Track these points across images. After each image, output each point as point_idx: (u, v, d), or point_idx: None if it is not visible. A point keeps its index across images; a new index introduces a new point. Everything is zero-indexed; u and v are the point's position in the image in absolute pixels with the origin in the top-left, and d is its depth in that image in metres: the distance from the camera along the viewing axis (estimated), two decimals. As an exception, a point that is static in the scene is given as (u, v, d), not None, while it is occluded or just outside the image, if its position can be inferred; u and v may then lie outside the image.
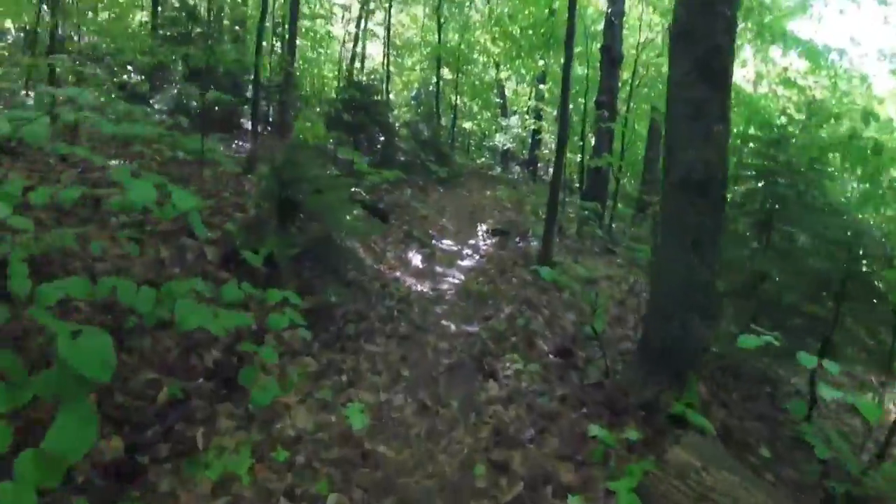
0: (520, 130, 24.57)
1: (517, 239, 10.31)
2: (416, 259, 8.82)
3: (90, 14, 15.36)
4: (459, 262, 9.12)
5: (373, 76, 16.15)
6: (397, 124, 20.26)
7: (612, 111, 14.43)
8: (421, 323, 5.82)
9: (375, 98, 13.94)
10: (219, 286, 4.78)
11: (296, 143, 5.40)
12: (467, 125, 25.90)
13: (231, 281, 4.02)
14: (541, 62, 16.58)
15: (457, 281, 8.04)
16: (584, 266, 9.50)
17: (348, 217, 6.37)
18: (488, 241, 10.19)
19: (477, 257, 9.39)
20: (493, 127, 26.01)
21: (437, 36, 18.84)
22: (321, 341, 5.00)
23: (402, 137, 16.61)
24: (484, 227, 11.02)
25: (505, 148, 25.52)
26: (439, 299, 6.89)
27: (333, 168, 11.11)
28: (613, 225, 14.73)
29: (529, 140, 23.52)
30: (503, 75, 24.27)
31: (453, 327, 5.83)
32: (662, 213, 4.62)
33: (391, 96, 26.50)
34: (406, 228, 10.05)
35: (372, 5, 20.95)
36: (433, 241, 9.92)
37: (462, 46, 19.12)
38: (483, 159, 27.66)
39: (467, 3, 19.52)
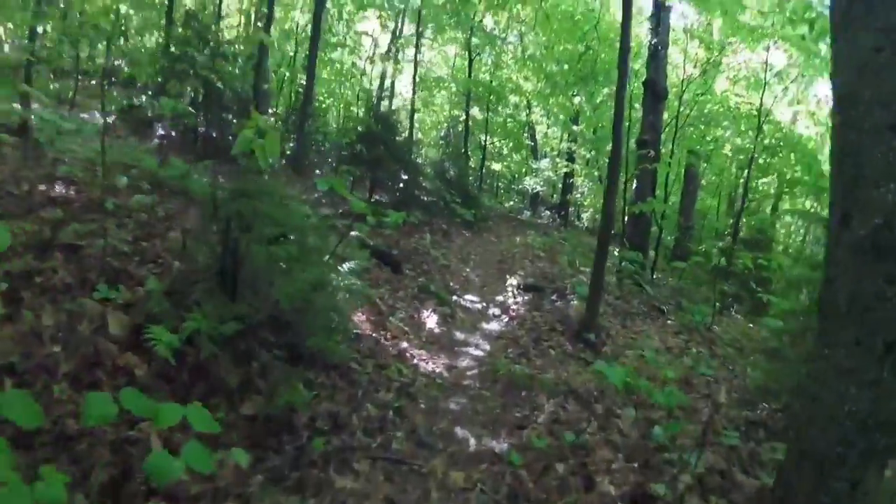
0: (551, 173, 22.91)
1: (553, 296, 8.43)
2: (430, 321, 6.99)
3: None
4: (484, 326, 7.27)
5: (396, 111, 14.58)
6: (422, 162, 18.80)
7: (655, 151, 12.66)
8: (426, 433, 3.95)
9: (398, 133, 12.34)
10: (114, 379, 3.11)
11: (250, 168, 3.61)
12: (497, 167, 24.26)
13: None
14: (576, 99, 14.90)
15: (481, 353, 6.19)
16: (632, 332, 7.59)
17: (334, 275, 4.57)
18: (519, 299, 8.32)
19: (506, 319, 7.53)
20: (524, 169, 24.36)
21: (467, 72, 17.30)
22: (267, 470, 3.17)
23: (427, 177, 14.98)
24: (514, 281, 9.16)
25: (535, 191, 23.79)
26: (456, 387, 5.02)
27: (330, 207, 9.45)
28: (655, 276, 12.79)
29: (560, 184, 21.79)
30: (535, 116, 22.71)
31: (472, 441, 3.93)
32: (826, 292, 2.72)
33: (419, 135, 25.11)
34: (422, 281, 8.26)
35: (401, 40, 19.67)
36: (454, 297, 8.09)
37: (493, 83, 17.54)
38: (512, 202, 25.96)
39: (499, 40, 18.03)
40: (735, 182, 17.65)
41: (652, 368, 6.20)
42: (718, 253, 13.13)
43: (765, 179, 17.57)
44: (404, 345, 5.82)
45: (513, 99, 20.71)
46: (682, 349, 7.17)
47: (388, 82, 24.71)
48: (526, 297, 8.28)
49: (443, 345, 6.31)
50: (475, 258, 10.96)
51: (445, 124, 25.25)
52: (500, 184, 26.81)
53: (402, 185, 11.95)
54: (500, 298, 8.42)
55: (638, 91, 13.43)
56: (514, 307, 7.94)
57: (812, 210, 15.83)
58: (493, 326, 7.23)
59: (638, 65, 14.10)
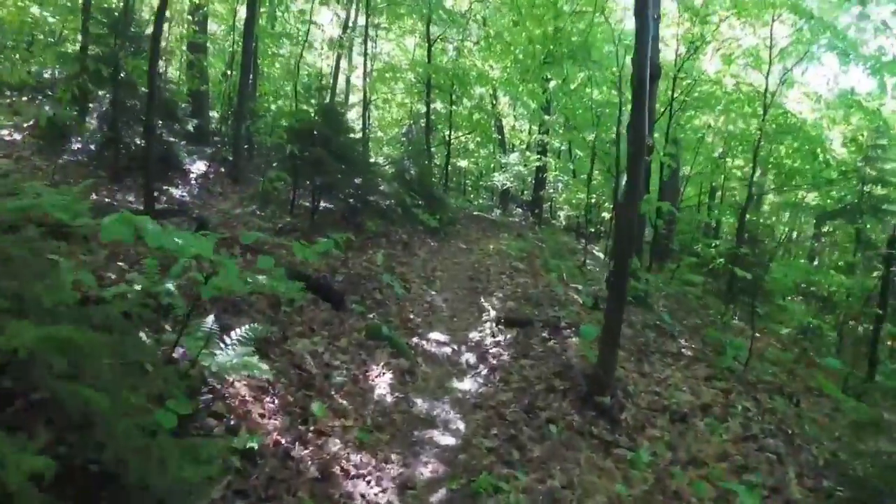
0: (521, 168, 20.89)
1: (544, 332, 6.35)
2: (381, 384, 4.87)
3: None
4: (456, 384, 5.17)
5: (343, 103, 12.27)
6: (379, 161, 16.59)
7: (647, 140, 10.73)
8: None
9: (346, 129, 10.13)
10: None
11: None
12: (463, 163, 22.14)
13: None
14: (551, 84, 12.80)
15: (451, 441, 4.10)
16: (654, 380, 5.59)
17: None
18: (500, 338, 6.23)
19: (485, 371, 5.44)
20: (492, 165, 22.30)
21: (427, 59, 15.11)
22: None
23: (385, 178, 12.81)
24: (492, 311, 7.07)
25: (504, 188, 21.75)
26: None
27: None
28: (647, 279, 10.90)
29: (532, 179, 19.78)
30: (501, 107, 20.64)
31: None
32: None
33: (378, 133, 22.83)
34: (372, 318, 6.14)
35: (354, 32, 17.38)
36: (414, 339, 5.98)
37: (456, 71, 15.37)
38: (480, 201, 23.89)
39: (462, 21, 15.85)
40: (719, 172, 15.83)
41: (692, 446, 4.22)
42: (718, 254, 11.34)
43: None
44: (335, 446, 3.67)
45: (478, 90, 18.56)
46: (723, 406, 5.16)
47: (343, 78, 22.41)
48: (509, 336, 6.19)
49: (397, 429, 4.19)
50: (442, 275, 8.84)
51: (408, 121, 23.05)
52: (467, 181, 24.69)
53: (352, 190, 9.76)
54: (474, 336, 6.32)
55: (626, 71, 11.47)
56: (493, 351, 5.84)
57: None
58: (468, 386, 5.14)
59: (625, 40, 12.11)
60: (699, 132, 14.02)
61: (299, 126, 9.17)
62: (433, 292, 7.90)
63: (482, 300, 7.66)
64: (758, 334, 10.45)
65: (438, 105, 18.78)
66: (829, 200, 14.10)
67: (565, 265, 11.18)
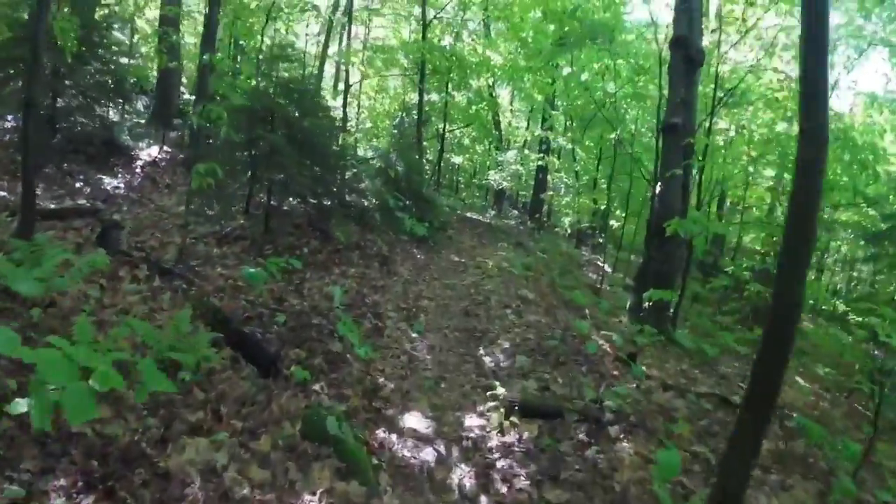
0: (519, 167, 18.59)
1: (581, 432, 4.01)
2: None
3: None
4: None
5: (311, 76, 9.77)
6: (364, 153, 14.16)
7: (689, 140, 8.54)
8: None
9: (318, 112, 7.73)
10: None
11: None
12: (457, 160, 19.78)
13: None
14: (565, 70, 10.47)
15: None
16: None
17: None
18: (513, 440, 3.88)
19: (490, 508, 3.15)
20: (487, 162, 19.99)
21: (421, 36, 12.70)
22: None
23: (366, 174, 10.47)
24: (500, 389, 4.63)
25: (499, 187, 19.45)
26: None
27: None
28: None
29: (533, 179, 17.50)
30: (501, 99, 18.29)
31: None
32: None
33: (367, 123, 20.41)
34: (319, 394, 3.85)
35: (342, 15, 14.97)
36: (379, 434, 3.68)
37: (455, 51, 12.96)
38: (475, 199, 21.57)
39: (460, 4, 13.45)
40: (742, 179, 13.58)
41: None
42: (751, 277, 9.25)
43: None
44: None
45: (476, 83, 16.17)
46: None
47: (338, 68, 20.02)
48: (526, 435, 3.84)
49: None
50: (428, 305, 6.54)
51: (401, 112, 20.64)
52: (460, 179, 22.34)
53: (321, 188, 7.40)
54: (472, 425, 4.00)
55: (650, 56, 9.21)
56: (502, 465, 3.52)
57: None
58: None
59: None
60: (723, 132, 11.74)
61: (256, 105, 6.78)
62: (415, 335, 5.59)
63: (481, 352, 5.36)
64: (799, 379, 8.28)
65: (434, 97, 16.45)
66: (870, 218, 11.88)
67: (581, 290, 8.93)
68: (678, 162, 8.55)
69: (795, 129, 10.14)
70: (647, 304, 7.70)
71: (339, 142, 10.75)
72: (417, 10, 13.56)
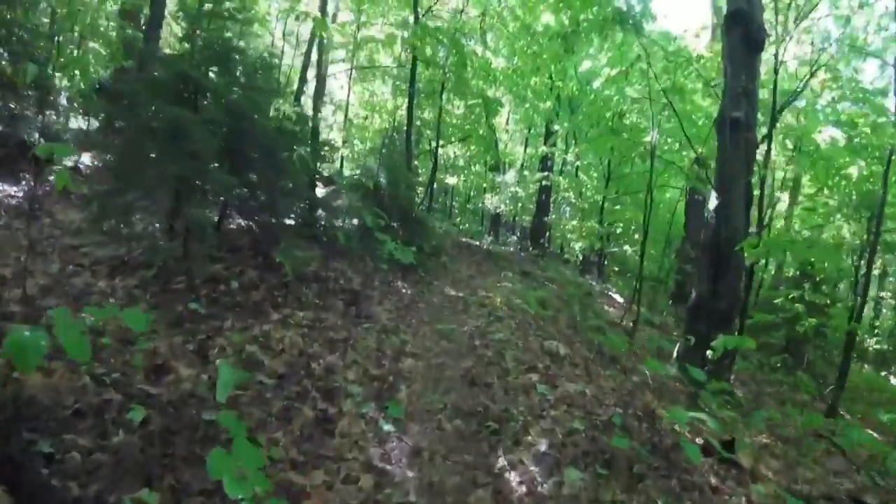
0: (518, 189, 16.42)
1: None
2: None
3: None
4: None
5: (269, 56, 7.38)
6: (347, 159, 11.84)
7: (750, 135, 6.38)
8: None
9: (256, 87, 5.43)
10: None
11: None
12: (451, 180, 17.55)
13: None
14: (585, 63, 8.31)
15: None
16: None
17: None
18: None
19: None
20: (484, 185, 17.78)
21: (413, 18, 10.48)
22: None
23: (343, 190, 8.19)
24: None
25: (497, 211, 17.21)
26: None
27: None
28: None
29: (534, 202, 15.25)
30: (499, 117, 16.13)
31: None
32: None
33: (348, 140, 18.21)
34: None
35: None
36: None
37: (454, 26, 10.68)
38: (468, 225, 19.30)
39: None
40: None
41: None
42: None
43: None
44: None
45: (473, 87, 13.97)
46: None
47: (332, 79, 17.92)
48: None
49: None
50: (413, 370, 4.16)
51: (390, 130, 18.41)
52: (454, 203, 20.10)
53: (264, 199, 5.07)
54: None
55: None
56: None
57: None
58: None
59: None
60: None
61: (166, 76, 4.52)
62: (388, 428, 3.23)
63: (502, 462, 3.00)
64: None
65: (427, 115, 14.32)
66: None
67: (610, 331, 6.64)
68: (741, 166, 6.32)
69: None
70: (712, 354, 5.36)
71: (310, 151, 8.51)
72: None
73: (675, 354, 6.54)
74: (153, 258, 4.59)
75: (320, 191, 10.03)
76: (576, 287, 10.19)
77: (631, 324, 9.15)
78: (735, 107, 6.30)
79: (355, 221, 7.52)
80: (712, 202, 6.40)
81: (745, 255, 5.46)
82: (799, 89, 7.00)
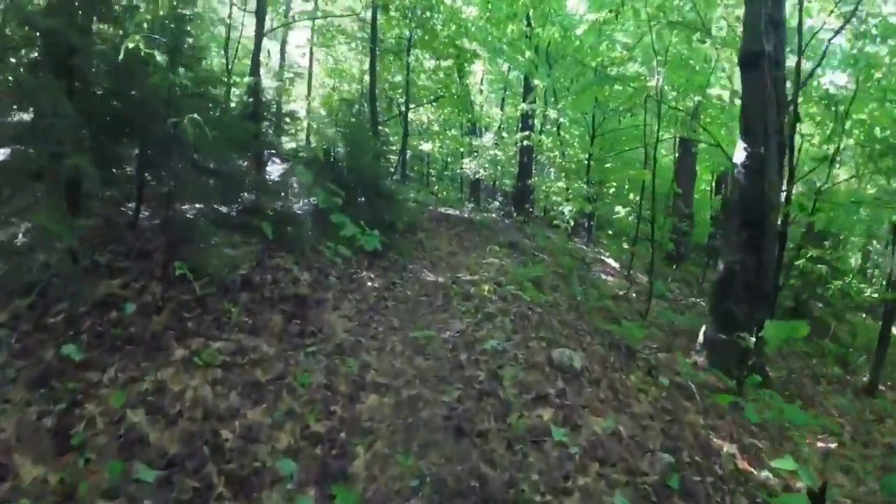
0: (497, 152, 15.04)
1: None
2: None
3: None
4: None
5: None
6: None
7: (780, 75, 5.07)
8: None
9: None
10: None
11: None
12: (426, 146, 16.08)
13: None
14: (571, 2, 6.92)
15: None
16: None
17: None
18: None
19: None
20: (461, 149, 16.33)
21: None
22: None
23: (299, 165, 6.80)
24: None
25: (476, 177, 15.80)
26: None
27: None
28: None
29: (516, 164, 13.89)
30: (474, 72, 14.63)
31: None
32: None
33: (310, 114, 16.60)
34: None
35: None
36: None
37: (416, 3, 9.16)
38: (448, 191, 17.87)
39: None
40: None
41: None
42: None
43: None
44: None
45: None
46: None
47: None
48: None
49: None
50: (374, 413, 2.91)
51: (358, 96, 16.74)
52: (431, 171, 18.64)
53: (173, 185, 3.71)
54: None
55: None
56: None
57: None
58: None
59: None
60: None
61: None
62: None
63: None
64: None
65: (397, 78, 12.79)
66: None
67: (621, 312, 5.47)
68: (772, 111, 5.06)
69: None
70: (767, 346, 4.21)
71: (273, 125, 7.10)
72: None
73: (700, 339, 5.38)
74: (28, 278, 3.25)
75: (276, 168, 8.64)
76: (570, 258, 8.99)
77: (634, 294, 8.00)
78: (759, 40, 5.00)
79: (313, 201, 6.19)
80: (739, 154, 5.14)
81: (794, 218, 4.28)
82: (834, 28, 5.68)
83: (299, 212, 5.69)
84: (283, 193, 5.55)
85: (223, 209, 4.62)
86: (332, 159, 6.63)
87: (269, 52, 18.76)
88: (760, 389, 4.71)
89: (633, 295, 8.28)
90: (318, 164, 6.62)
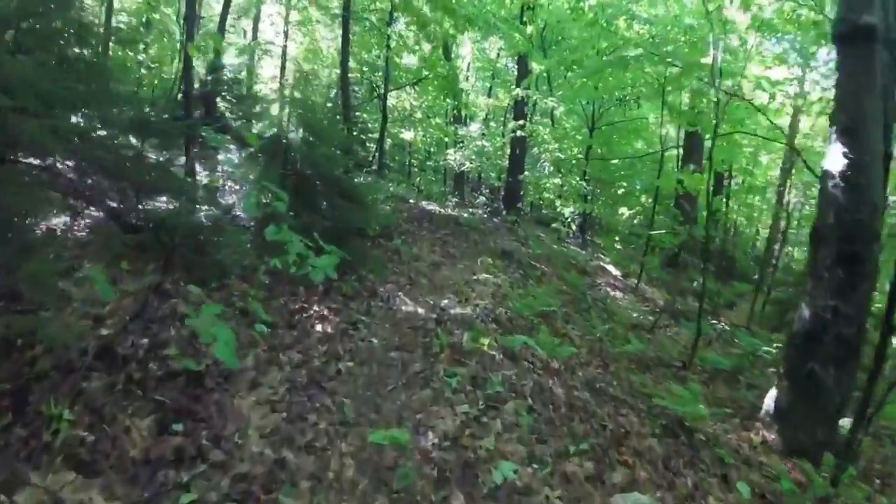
0: (484, 143, 13.52)
1: None
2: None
3: None
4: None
5: None
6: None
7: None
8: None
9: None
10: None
11: None
12: (407, 135, 14.37)
13: None
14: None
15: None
16: None
17: None
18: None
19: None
20: (445, 139, 14.65)
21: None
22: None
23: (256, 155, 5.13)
24: None
25: (461, 169, 14.16)
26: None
27: None
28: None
29: (507, 155, 12.27)
30: (460, 53, 12.96)
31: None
32: None
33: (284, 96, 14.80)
34: None
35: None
36: None
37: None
38: (430, 184, 16.17)
39: None
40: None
41: None
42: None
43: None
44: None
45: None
46: None
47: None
48: None
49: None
50: None
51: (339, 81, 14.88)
52: (413, 161, 16.93)
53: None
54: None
55: None
56: None
57: None
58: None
59: None
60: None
61: None
62: None
63: None
64: None
65: (379, 58, 11.05)
66: None
67: (666, 375, 3.95)
68: (877, 104, 3.55)
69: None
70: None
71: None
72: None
73: (766, 405, 3.89)
74: None
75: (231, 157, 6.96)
76: (574, 271, 7.47)
77: (651, 317, 6.47)
78: (860, 6, 3.48)
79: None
80: (833, 161, 3.61)
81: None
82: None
83: (227, 224, 4.02)
84: (199, 195, 3.87)
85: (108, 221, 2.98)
86: (284, 150, 4.95)
87: (241, 29, 16.84)
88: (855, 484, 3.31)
89: (649, 317, 6.79)
90: (270, 155, 4.95)
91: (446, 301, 4.91)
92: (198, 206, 3.50)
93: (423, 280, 5.62)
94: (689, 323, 6.16)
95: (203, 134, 4.93)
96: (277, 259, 3.23)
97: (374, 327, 3.81)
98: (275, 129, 5.08)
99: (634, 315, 6.48)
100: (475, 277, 6.03)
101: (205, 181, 5.98)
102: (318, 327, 3.48)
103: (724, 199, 13.02)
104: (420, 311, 4.45)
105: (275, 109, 13.67)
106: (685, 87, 6.56)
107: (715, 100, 4.66)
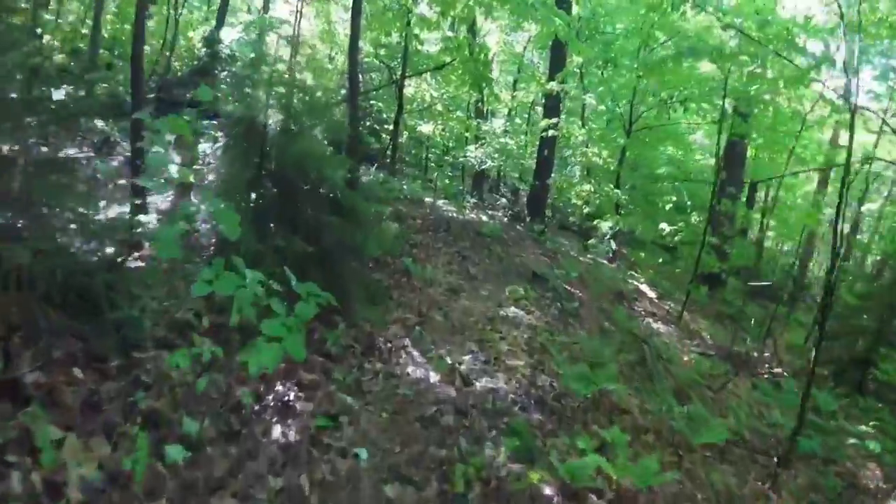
0: (507, 140, 12.14)
1: None
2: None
3: None
4: None
5: None
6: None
7: None
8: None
9: None
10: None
11: None
12: (426, 129, 12.93)
13: None
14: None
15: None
16: None
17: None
18: None
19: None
20: (466, 135, 13.19)
21: None
22: None
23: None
24: None
25: (482, 167, 12.69)
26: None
27: None
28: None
29: (532, 157, 10.84)
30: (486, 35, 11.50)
31: None
32: None
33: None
34: None
35: None
36: None
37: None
38: (447, 181, 14.71)
39: None
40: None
41: None
42: None
43: None
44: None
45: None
46: None
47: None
48: None
49: None
50: None
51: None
52: (430, 156, 15.47)
53: None
54: None
55: None
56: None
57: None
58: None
59: None
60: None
61: None
62: None
63: None
64: None
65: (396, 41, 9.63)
66: None
67: None
68: None
69: None
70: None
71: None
72: None
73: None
74: None
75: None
76: (615, 300, 6.10)
77: (729, 385, 5.04)
78: None
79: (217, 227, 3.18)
80: None
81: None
82: None
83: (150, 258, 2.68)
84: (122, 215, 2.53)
85: None
86: (259, 143, 3.59)
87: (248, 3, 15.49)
88: None
89: (705, 362, 5.41)
90: (239, 149, 3.60)
91: (468, 357, 3.57)
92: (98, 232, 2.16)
93: (437, 317, 4.29)
94: (765, 386, 4.75)
95: (141, 119, 3.60)
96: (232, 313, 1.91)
97: (363, 420, 2.48)
98: (251, 113, 3.70)
99: (688, 360, 5.08)
100: (502, 313, 4.69)
101: (175, 176, 4.67)
102: (276, 432, 2.15)
103: (762, 217, 11.55)
104: (433, 377, 3.12)
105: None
106: (805, 84, 5.09)
107: (848, 109, 3.26)
